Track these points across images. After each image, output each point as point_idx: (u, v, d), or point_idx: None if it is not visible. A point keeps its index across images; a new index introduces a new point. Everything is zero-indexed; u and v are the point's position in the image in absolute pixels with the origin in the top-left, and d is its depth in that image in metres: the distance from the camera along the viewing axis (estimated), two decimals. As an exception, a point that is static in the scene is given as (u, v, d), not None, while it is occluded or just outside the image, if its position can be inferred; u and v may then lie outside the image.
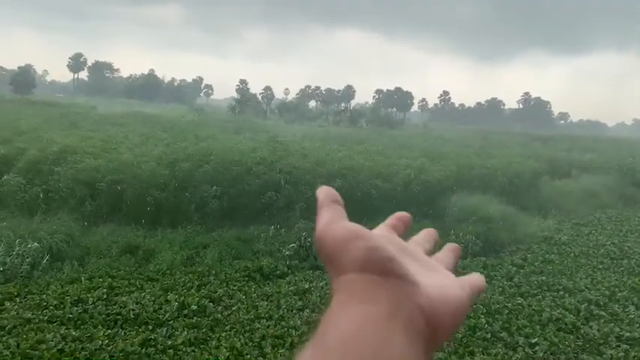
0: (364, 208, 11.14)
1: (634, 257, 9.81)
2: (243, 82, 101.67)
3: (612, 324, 6.55)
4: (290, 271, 7.95)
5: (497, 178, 14.79)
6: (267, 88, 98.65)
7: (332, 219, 0.42)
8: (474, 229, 10.37)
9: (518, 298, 7.31)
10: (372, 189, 11.73)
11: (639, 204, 16.76)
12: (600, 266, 9.17)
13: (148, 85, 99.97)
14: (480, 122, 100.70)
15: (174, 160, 11.36)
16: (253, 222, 10.14)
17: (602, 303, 7.28)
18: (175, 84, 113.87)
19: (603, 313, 6.88)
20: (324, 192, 0.46)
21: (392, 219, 0.53)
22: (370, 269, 0.37)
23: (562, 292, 7.62)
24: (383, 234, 0.49)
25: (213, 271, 7.58)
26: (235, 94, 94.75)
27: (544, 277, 8.29)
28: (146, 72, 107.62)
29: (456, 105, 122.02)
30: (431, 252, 0.52)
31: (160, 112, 39.39)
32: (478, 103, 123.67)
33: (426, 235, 0.56)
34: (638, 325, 6.56)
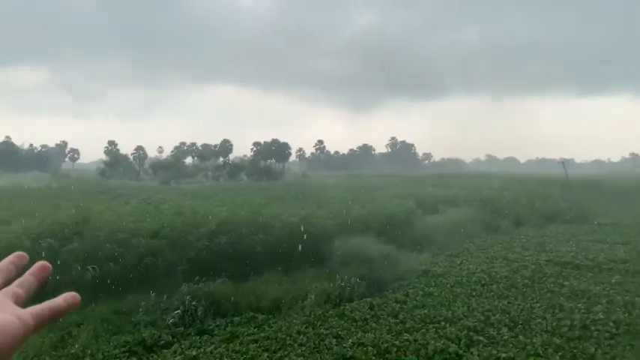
0: (249, 264, 10.94)
1: (501, 282, 10.67)
2: (112, 143, 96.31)
3: (490, 347, 7.01)
4: (175, 339, 7.48)
5: (374, 219, 15.45)
6: (139, 148, 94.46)
7: None
8: (357, 271, 10.63)
9: (405, 334, 7.54)
10: (255, 244, 11.58)
11: (500, 231, 18.49)
12: (474, 293, 9.84)
13: (3, 153, 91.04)
14: (353, 167, 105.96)
15: (37, 235, 10.30)
16: (131, 291, 9.42)
17: (479, 328, 7.76)
18: (36, 150, 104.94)
19: (482, 338, 7.34)
20: None
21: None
22: None
23: (443, 323, 8.02)
24: None
25: (89, 351, 6.90)
26: (104, 157, 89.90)
27: (426, 310, 8.67)
28: (0, 139, 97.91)
29: (331, 152, 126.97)
30: (11, 279, 0.62)
31: (15, 182, 36.17)
32: (351, 150, 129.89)
33: (5, 266, 0.63)
34: (511, 345, 7.08)
